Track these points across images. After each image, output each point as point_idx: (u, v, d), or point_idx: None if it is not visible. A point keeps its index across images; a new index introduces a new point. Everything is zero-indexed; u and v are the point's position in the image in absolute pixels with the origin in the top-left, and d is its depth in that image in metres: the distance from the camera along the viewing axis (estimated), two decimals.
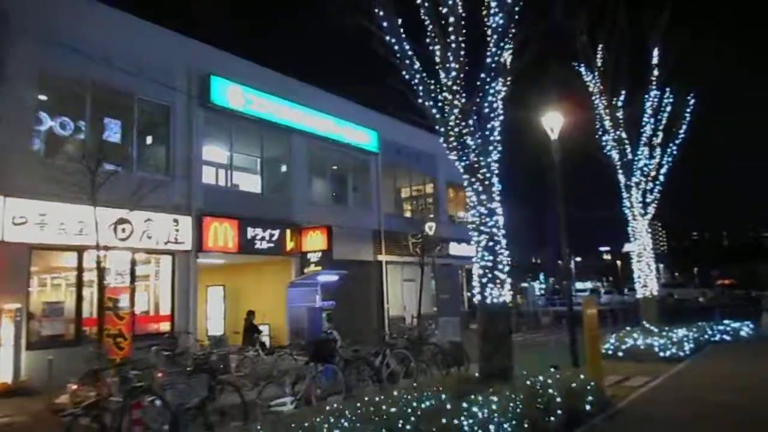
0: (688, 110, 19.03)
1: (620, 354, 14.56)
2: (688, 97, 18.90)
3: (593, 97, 18.11)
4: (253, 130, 18.97)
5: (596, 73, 17.92)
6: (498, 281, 9.14)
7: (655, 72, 18.79)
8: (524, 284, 60.87)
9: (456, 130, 9.33)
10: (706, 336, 17.59)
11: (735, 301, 42.91)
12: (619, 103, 18.49)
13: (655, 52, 18.64)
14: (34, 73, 12.97)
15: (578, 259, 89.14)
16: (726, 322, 19.30)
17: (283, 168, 20.69)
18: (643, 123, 18.80)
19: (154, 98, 15.69)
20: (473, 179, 9.36)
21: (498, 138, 9.45)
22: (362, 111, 23.60)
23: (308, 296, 13.11)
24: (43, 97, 13.46)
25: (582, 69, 17.90)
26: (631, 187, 18.70)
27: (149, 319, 15.32)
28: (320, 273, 15.11)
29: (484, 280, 9.17)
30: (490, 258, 9.15)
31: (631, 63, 18.13)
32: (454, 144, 9.43)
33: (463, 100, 9.31)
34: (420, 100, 9.60)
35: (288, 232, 18.88)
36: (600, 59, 17.81)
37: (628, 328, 16.98)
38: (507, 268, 9.30)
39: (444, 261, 25.56)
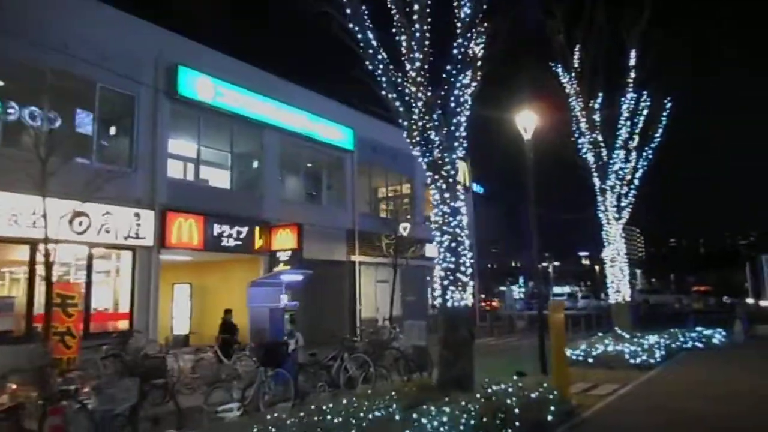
0: (665, 113, 18.88)
1: (590, 360, 14.30)
2: (665, 101, 18.75)
3: (570, 99, 17.86)
4: (224, 124, 18.40)
5: (573, 74, 17.67)
6: (460, 284, 8.72)
7: (633, 74, 18.60)
8: (503, 288, 60.88)
9: (420, 124, 8.90)
10: (678, 343, 17.42)
11: (709, 308, 43.13)
12: (596, 105, 18.27)
13: (633, 54, 18.45)
14: None
15: (557, 263, 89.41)
16: (699, 329, 19.20)
17: (255, 164, 20.14)
18: (619, 126, 18.60)
19: (118, 88, 15.06)
20: (437, 176, 8.94)
21: (464, 134, 9.05)
22: (338, 108, 23.06)
23: (271, 296, 12.55)
24: None
25: (559, 70, 17.64)
26: (606, 190, 18.49)
27: (106, 316, 14.69)
28: (284, 272, 14.58)
29: (446, 282, 8.73)
30: (453, 259, 8.71)
31: (608, 64, 17.93)
32: (418, 139, 8.99)
33: (428, 94, 8.88)
34: (384, 93, 9.15)
35: (257, 229, 18.33)
36: (577, 60, 17.56)
37: (600, 334, 16.76)
38: (470, 271, 8.88)
39: (418, 262, 25.17)
